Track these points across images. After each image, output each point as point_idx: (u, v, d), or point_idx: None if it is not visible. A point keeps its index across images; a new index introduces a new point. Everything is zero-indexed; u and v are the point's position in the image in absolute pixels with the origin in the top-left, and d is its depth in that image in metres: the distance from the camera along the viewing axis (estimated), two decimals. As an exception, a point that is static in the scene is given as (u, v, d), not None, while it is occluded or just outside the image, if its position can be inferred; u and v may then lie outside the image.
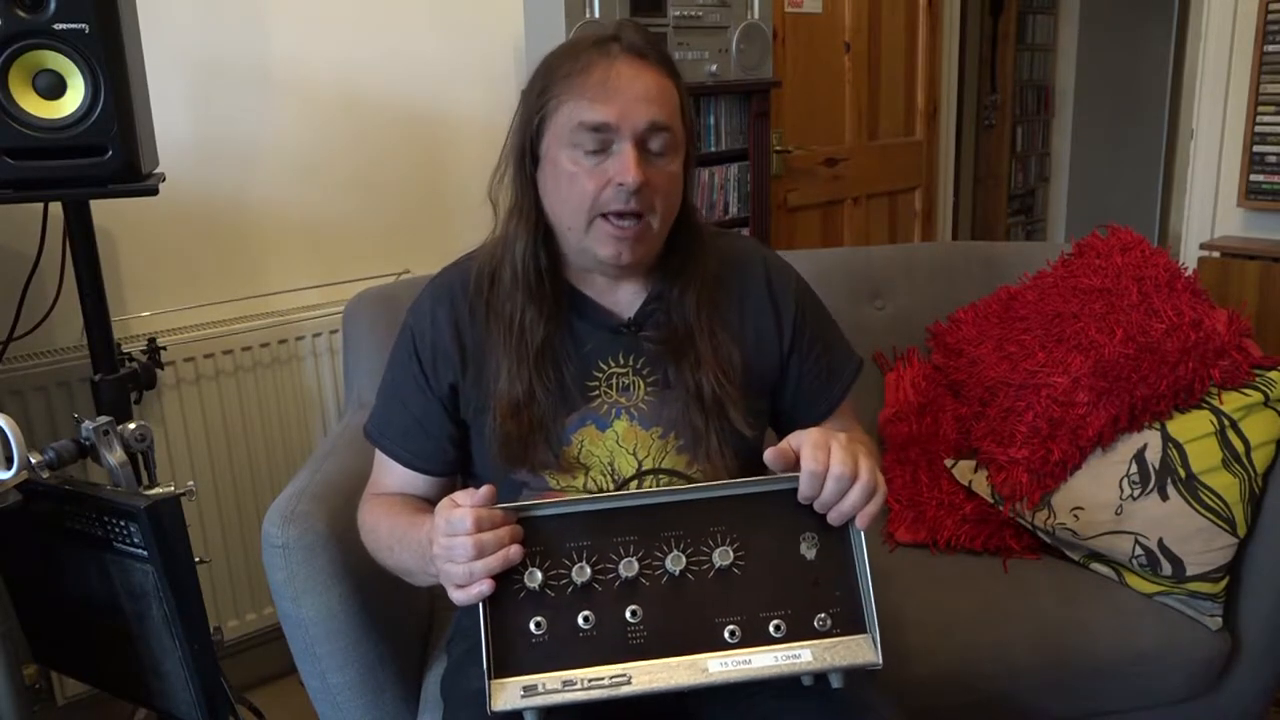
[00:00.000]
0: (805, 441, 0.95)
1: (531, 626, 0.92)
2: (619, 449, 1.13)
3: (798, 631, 0.93)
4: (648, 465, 1.13)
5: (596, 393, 1.13)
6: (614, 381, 1.14)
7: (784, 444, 0.96)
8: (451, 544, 0.91)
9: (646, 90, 1.03)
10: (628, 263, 1.08)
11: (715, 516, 0.95)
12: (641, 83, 1.03)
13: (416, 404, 1.17)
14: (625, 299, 1.15)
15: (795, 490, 0.94)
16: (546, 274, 1.12)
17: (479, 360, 1.14)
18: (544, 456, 1.11)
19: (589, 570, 0.93)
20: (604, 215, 1.05)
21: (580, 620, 0.92)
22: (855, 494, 0.93)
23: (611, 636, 0.92)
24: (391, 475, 1.20)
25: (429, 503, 1.18)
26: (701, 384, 1.12)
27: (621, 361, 1.14)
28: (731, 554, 0.94)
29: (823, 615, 0.93)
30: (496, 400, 1.11)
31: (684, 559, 0.94)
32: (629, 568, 0.93)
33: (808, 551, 0.95)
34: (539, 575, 0.92)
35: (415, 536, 1.03)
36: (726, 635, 0.92)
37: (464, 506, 0.92)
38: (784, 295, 1.20)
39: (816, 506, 0.95)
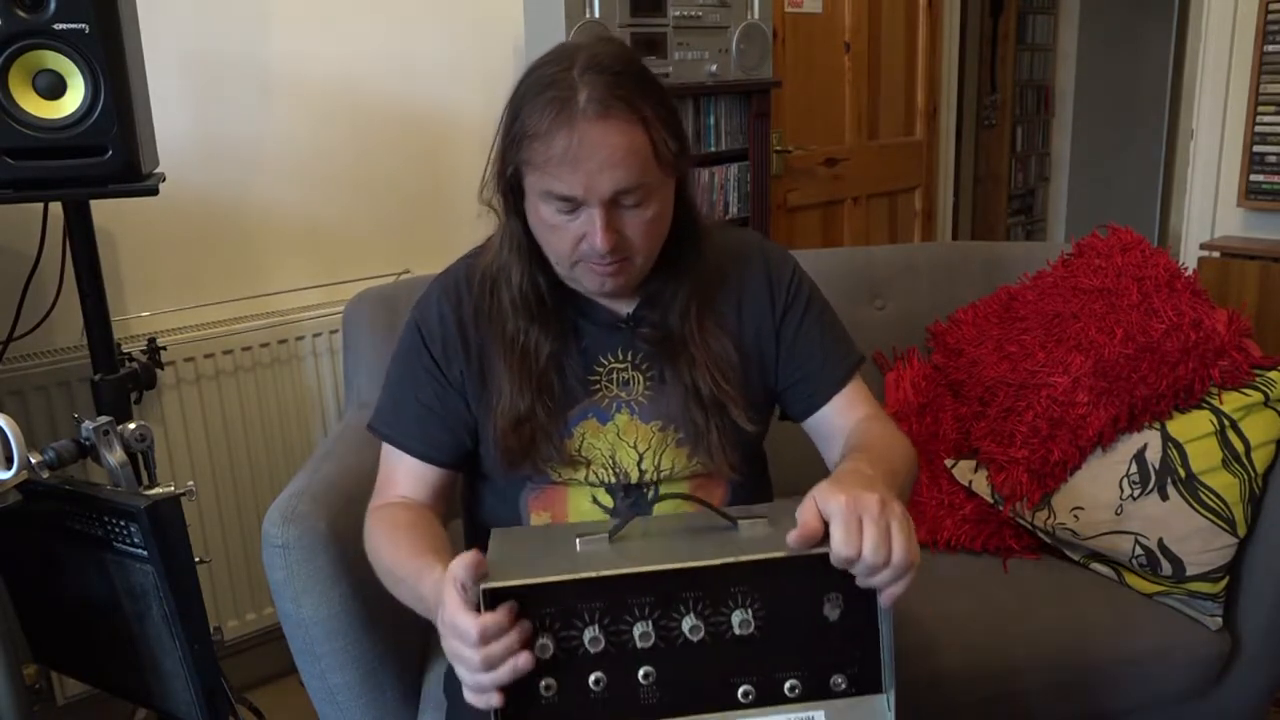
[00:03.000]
0: (835, 520, 0.86)
1: (541, 688, 0.88)
2: (620, 442, 1.14)
3: (813, 692, 0.90)
4: (648, 459, 1.14)
5: (598, 386, 1.14)
6: (614, 376, 1.15)
7: (809, 515, 0.87)
8: (459, 651, 0.85)
9: (611, 155, 0.99)
10: (612, 291, 1.09)
11: (737, 578, 0.90)
12: (606, 148, 0.99)
13: (429, 392, 1.15)
14: (625, 299, 1.16)
15: (823, 555, 0.89)
16: (548, 294, 1.12)
17: (482, 361, 1.14)
18: (546, 452, 1.12)
19: (602, 635, 0.88)
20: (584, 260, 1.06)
21: (591, 682, 0.88)
22: (885, 576, 0.87)
23: (622, 698, 0.89)
24: (400, 471, 1.16)
25: (436, 508, 1.16)
26: (699, 383, 1.12)
27: (621, 356, 1.15)
28: (751, 617, 0.89)
29: (839, 677, 0.90)
30: (499, 415, 1.11)
31: (702, 625, 0.89)
32: (644, 636, 0.88)
33: (830, 612, 0.90)
34: (550, 641, 0.87)
35: (417, 589, 1.00)
36: (740, 696, 0.89)
37: (469, 617, 0.84)
38: (780, 281, 1.20)
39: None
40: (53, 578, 1.34)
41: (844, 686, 0.91)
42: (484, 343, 1.14)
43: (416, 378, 1.16)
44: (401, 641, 1.35)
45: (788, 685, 0.90)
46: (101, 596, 1.27)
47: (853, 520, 0.85)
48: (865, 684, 0.91)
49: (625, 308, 1.16)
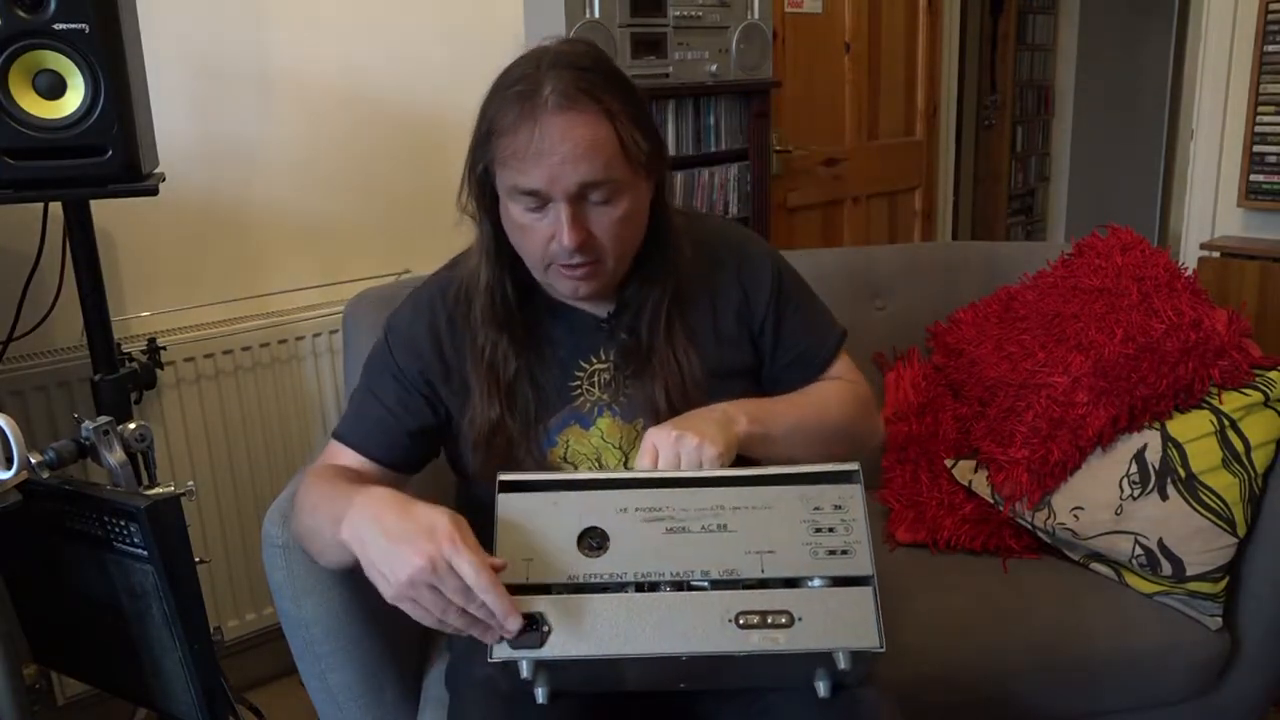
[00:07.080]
0: (643, 446, 1.01)
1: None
2: (605, 444, 1.14)
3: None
4: (635, 457, 1.11)
5: (579, 391, 1.14)
6: (596, 378, 1.14)
7: (645, 445, 1.01)
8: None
9: (575, 148, 0.98)
10: (586, 296, 1.09)
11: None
12: (570, 141, 0.98)
13: (391, 395, 1.16)
14: (602, 302, 1.16)
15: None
16: (516, 304, 1.12)
17: (461, 371, 1.14)
18: (526, 464, 1.11)
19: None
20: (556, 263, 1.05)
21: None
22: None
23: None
24: (344, 458, 1.17)
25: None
26: (657, 398, 1.12)
27: (602, 357, 1.15)
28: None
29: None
30: (472, 428, 1.12)
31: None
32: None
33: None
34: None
35: (338, 506, 1.01)
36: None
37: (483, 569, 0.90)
38: (756, 283, 1.19)
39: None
40: (53, 578, 1.33)
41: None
42: (460, 354, 1.15)
43: (381, 383, 1.17)
44: (401, 641, 1.35)
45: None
46: (101, 596, 1.27)
47: (648, 446, 0.99)
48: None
49: (604, 309, 1.15)
